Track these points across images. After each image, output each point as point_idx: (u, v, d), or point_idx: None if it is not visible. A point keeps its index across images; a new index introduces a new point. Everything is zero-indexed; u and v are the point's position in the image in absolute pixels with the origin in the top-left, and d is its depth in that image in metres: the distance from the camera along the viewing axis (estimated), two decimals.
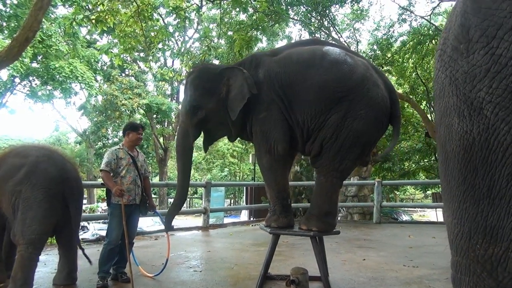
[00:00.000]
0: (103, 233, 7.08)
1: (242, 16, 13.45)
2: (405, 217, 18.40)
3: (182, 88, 28.22)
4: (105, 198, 4.56)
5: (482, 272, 1.52)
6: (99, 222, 12.49)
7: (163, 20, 18.52)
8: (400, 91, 17.30)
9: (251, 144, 19.69)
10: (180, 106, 27.28)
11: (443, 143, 1.66)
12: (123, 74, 25.24)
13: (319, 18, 13.54)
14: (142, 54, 23.39)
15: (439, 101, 1.67)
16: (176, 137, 4.41)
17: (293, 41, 15.45)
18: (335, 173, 3.85)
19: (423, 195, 33.61)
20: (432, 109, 18.19)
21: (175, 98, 27.37)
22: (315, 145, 3.89)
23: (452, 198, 1.62)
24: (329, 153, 3.81)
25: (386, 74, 17.13)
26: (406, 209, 21.22)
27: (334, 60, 3.86)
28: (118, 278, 4.41)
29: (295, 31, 35.20)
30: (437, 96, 1.70)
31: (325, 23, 13.84)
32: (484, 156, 1.46)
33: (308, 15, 13.46)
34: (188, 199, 39.54)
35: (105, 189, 4.57)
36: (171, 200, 38.69)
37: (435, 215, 24.53)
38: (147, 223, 12.06)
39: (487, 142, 1.45)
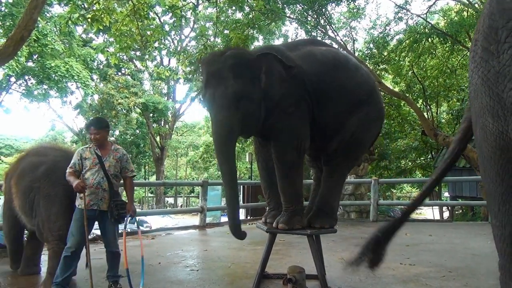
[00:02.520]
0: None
1: (239, 15, 13.44)
2: None
3: (178, 87, 28.17)
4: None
5: None
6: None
7: (159, 19, 18.48)
8: (396, 89, 17.32)
9: (248, 142, 19.72)
10: (174, 105, 27.25)
11: (480, 144, 1.64)
12: (119, 73, 25.18)
13: (315, 16, 13.52)
14: (138, 53, 23.32)
15: (474, 102, 1.66)
16: (214, 137, 3.74)
17: (289, 40, 15.44)
18: (346, 172, 4.22)
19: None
20: (428, 107, 18.23)
21: (171, 97, 27.34)
22: (332, 145, 4.01)
23: (493, 200, 1.59)
24: (344, 153, 4.01)
25: (383, 73, 17.22)
26: (403, 207, 21.29)
27: (356, 64, 4.25)
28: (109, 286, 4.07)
29: (292, 30, 35.23)
30: (471, 97, 1.69)
31: (322, 21, 13.82)
32: None
33: (305, 13, 13.44)
34: (185, 198, 39.52)
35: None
36: (168, 199, 38.70)
37: (432, 213, 24.60)
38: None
39: None
